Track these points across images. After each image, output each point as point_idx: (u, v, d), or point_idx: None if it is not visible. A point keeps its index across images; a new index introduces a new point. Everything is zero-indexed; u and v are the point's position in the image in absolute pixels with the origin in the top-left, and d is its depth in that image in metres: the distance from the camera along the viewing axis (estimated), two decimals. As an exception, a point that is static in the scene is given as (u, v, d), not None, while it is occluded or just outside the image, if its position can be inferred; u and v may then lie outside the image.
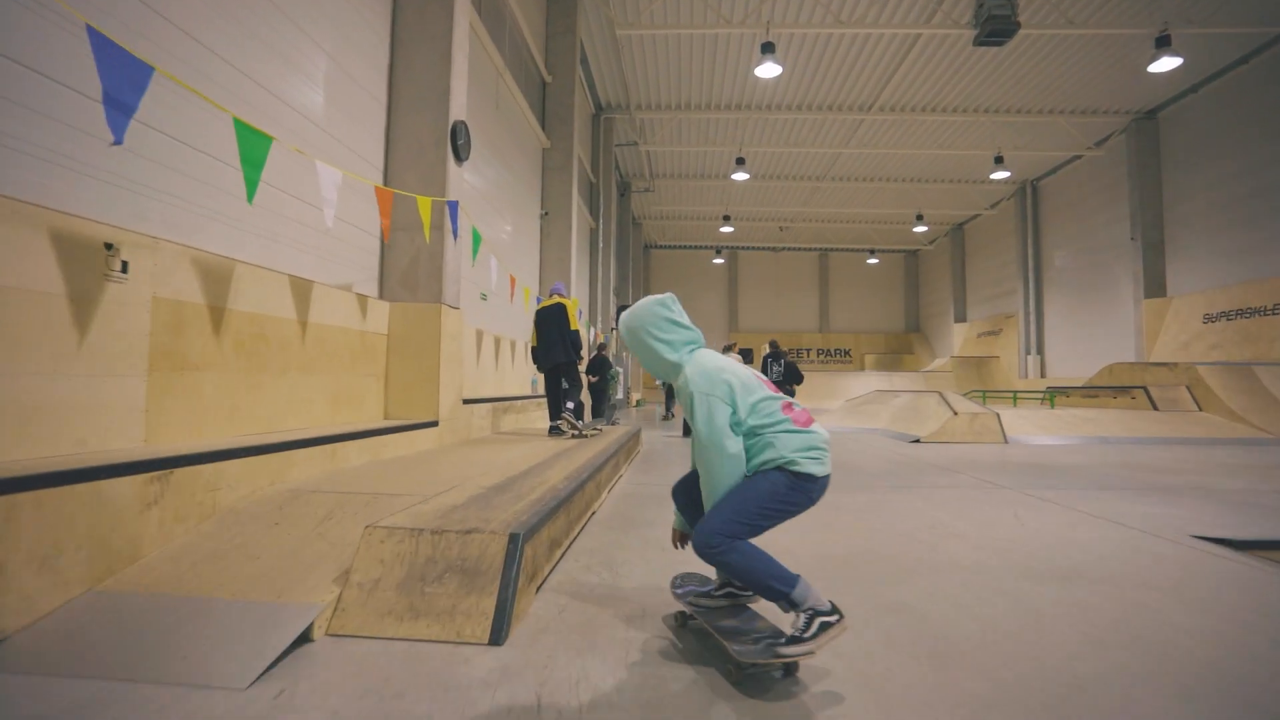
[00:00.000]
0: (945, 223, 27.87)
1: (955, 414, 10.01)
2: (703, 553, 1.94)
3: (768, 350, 10.87)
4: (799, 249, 33.92)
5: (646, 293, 33.45)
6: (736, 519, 1.93)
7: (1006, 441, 9.76)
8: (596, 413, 13.03)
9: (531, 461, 4.47)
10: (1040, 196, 22.66)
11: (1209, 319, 15.16)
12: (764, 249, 34.14)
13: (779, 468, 1.96)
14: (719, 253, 31.91)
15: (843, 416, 13.33)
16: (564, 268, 11.86)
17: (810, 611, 1.85)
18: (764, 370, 10.68)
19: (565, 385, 6.95)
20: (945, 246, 29.78)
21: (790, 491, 1.96)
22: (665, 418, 18.80)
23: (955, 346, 28.54)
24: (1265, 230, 14.05)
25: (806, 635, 1.82)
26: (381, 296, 5.70)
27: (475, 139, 8.32)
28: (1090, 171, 19.54)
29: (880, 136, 18.59)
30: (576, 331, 6.99)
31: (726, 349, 10.91)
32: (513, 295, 7.66)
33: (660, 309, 2.16)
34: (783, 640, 1.85)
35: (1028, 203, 22.95)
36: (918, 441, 9.72)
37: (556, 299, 7.02)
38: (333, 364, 4.63)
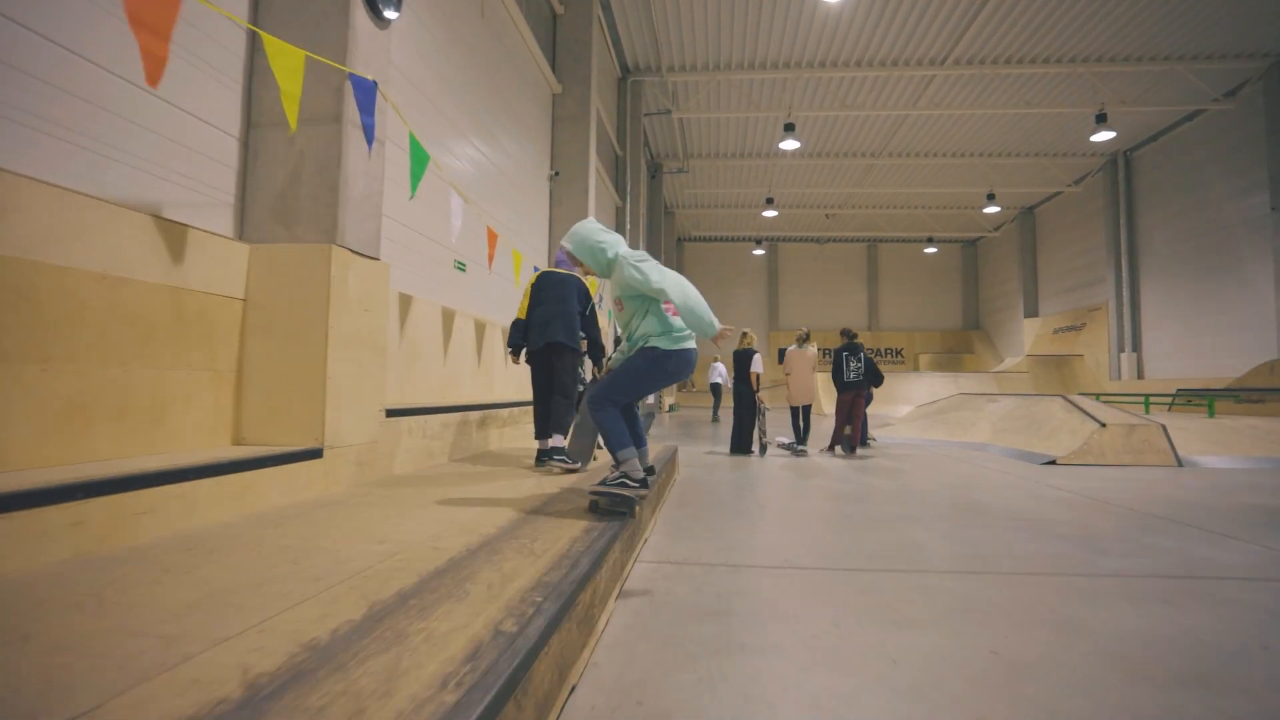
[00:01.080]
0: (1014, 205, 24.81)
1: (1102, 425, 7.37)
2: (590, 405, 2.92)
3: (842, 342, 8.38)
4: (846, 240, 31.08)
5: (679, 288, 31.01)
6: (611, 390, 2.91)
7: (1180, 464, 7.09)
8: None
9: (451, 552, 2.12)
10: (1135, 169, 19.58)
11: (1386, 304, 12.11)
12: (808, 240, 31.40)
13: (649, 346, 2.83)
14: (759, 244, 29.32)
15: (925, 426, 10.72)
16: (579, 242, 9.54)
17: (622, 474, 2.90)
18: (839, 367, 8.21)
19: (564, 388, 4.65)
20: (1012, 233, 26.67)
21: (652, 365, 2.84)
22: (714, 420, 16.70)
23: (1026, 344, 25.43)
24: None
25: (607, 483, 2.91)
26: (242, 235, 3.41)
27: (451, 48, 6.04)
28: (1209, 132, 16.47)
29: (953, 96, 15.87)
30: (595, 312, 4.73)
31: (802, 341, 8.48)
32: (491, 257, 5.34)
33: (594, 223, 2.98)
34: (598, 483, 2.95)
35: (1119, 177, 19.88)
36: (1053, 464, 7.13)
37: (574, 272, 4.77)
38: (75, 344, 2.35)
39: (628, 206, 15.66)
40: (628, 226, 15.62)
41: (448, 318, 5.57)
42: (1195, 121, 16.89)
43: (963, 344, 31.04)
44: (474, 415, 5.20)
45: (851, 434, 8.21)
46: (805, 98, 16.19)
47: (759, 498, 4.88)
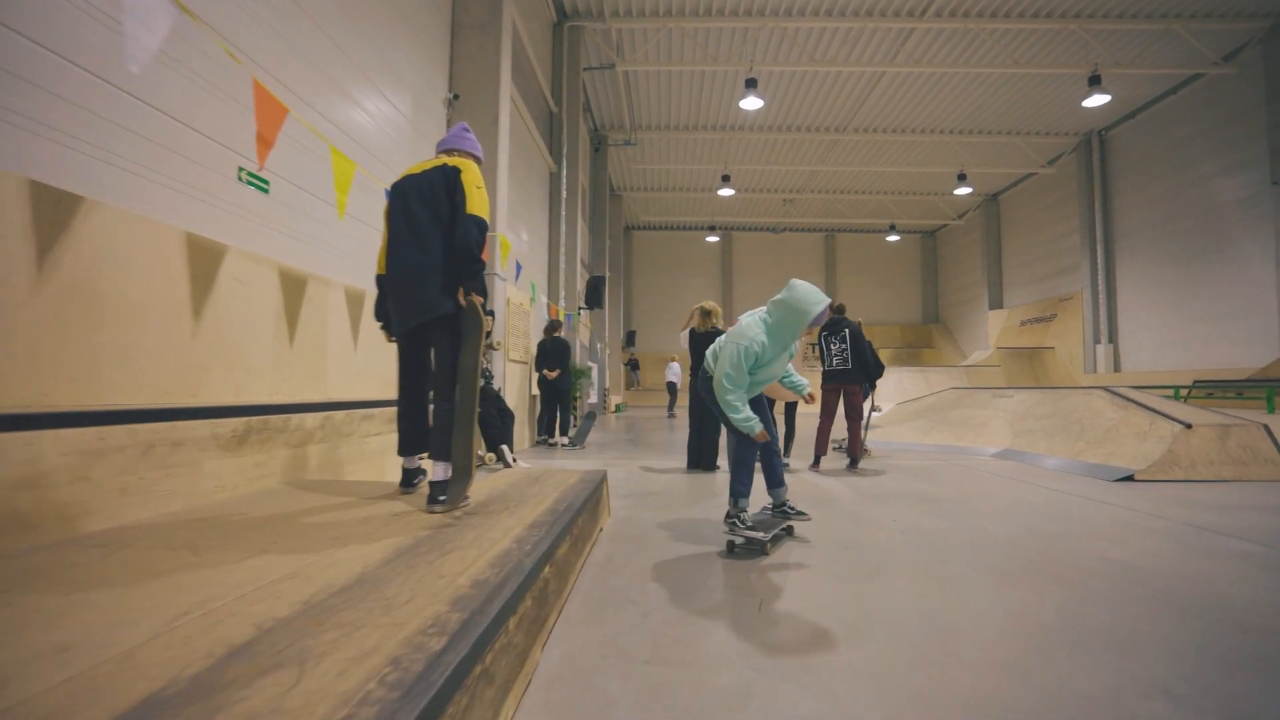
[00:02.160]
0: (982, 191, 23.48)
1: (1186, 426, 5.47)
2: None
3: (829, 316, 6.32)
4: (803, 230, 29.52)
5: (629, 279, 28.84)
6: None
7: (1296, 478, 5.25)
8: (562, 427, 8.48)
9: None
10: (1110, 149, 18.37)
11: None
12: (763, 229, 29.69)
13: None
14: (713, 230, 27.34)
15: (923, 428, 8.76)
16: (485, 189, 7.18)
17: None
18: (823, 350, 6.17)
19: (449, 378, 2.63)
20: (976, 221, 25.46)
21: None
22: (670, 415, 16.56)
23: (991, 337, 24.22)
24: None
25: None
26: None
27: None
28: (1195, 106, 15.22)
29: (934, 52, 14.10)
30: (480, 222, 2.73)
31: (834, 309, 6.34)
32: (266, 144, 2.95)
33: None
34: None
35: (1094, 158, 18.66)
36: (1129, 479, 5.19)
37: (444, 159, 2.88)
38: None
39: (564, 173, 13.32)
40: (564, 196, 13.28)
41: (204, 258, 3.16)
42: (1180, 95, 15.65)
43: (922, 338, 29.85)
44: (222, 428, 2.81)
45: (851, 443, 6.13)
46: (769, 51, 14.16)
47: (745, 565, 2.67)
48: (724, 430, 6.25)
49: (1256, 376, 10.45)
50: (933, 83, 15.61)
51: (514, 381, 7.77)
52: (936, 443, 8.05)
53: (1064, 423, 6.97)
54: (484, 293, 2.71)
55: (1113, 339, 18.33)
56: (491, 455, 6.13)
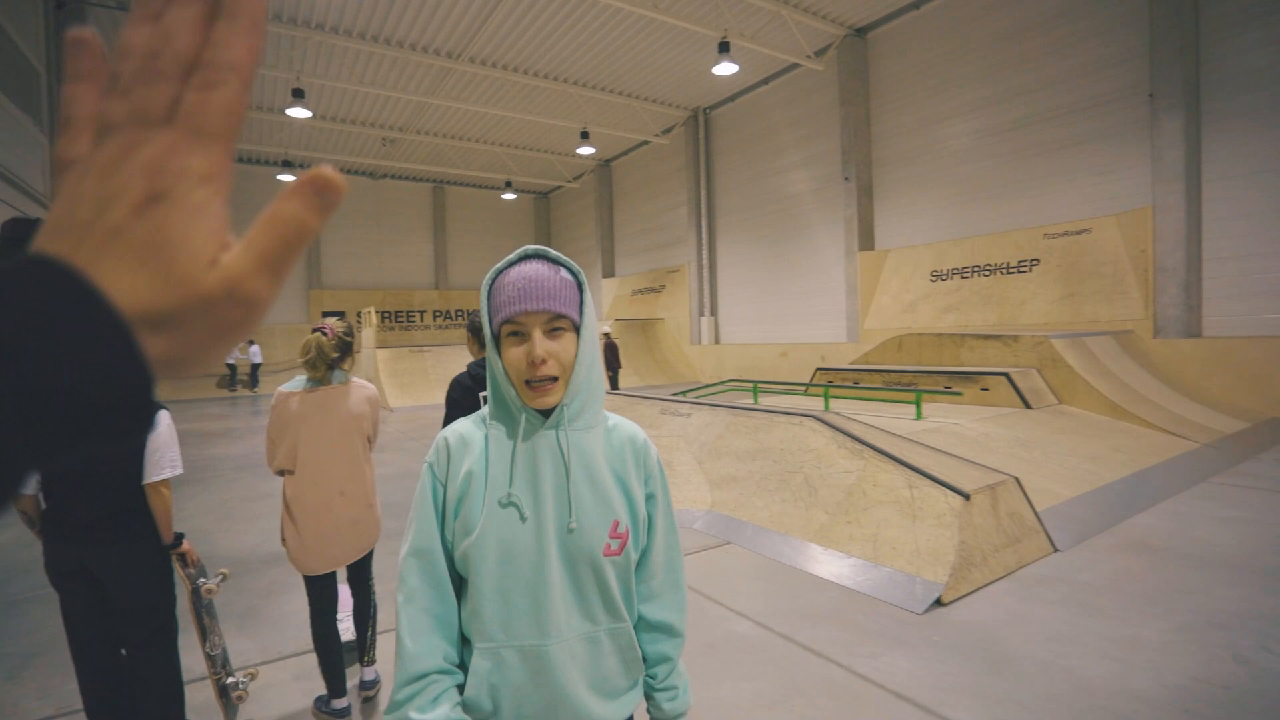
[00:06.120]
0: (600, 155, 22.75)
1: (966, 497, 4.06)
2: None
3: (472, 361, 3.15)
4: (407, 177, 25.18)
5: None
6: None
7: (1056, 548, 4.27)
8: None
9: None
10: (714, 128, 19.10)
11: (938, 276, 12.97)
12: (359, 173, 24.30)
13: None
14: (289, 167, 20.85)
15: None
16: None
17: None
18: None
19: None
20: (591, 186, 24.95)
21: None
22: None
23: (604, 306, 24.25)
24: (1017, 170, 12.05)
25: None
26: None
27: None
28: (785, 98, 16.29)
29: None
30: None
31: (330, 353, 2.77)
32: None
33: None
34: None
35: (700, 134, 19.20)
36: (938, 607, 3.50)
37: None
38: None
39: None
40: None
41: None
42: (770, 85, 16.65)
43: (540, 304, 28.86)
44: None
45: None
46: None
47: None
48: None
49: (859, 364, 11.24)
50: (562, 16, 13.31)
51: None
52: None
53: (779, 469, 5.28)
54: None
55: (714, 312, 19.46)
56: None
